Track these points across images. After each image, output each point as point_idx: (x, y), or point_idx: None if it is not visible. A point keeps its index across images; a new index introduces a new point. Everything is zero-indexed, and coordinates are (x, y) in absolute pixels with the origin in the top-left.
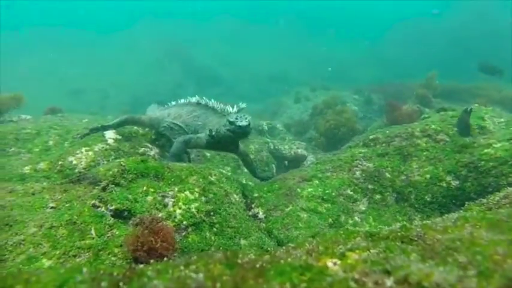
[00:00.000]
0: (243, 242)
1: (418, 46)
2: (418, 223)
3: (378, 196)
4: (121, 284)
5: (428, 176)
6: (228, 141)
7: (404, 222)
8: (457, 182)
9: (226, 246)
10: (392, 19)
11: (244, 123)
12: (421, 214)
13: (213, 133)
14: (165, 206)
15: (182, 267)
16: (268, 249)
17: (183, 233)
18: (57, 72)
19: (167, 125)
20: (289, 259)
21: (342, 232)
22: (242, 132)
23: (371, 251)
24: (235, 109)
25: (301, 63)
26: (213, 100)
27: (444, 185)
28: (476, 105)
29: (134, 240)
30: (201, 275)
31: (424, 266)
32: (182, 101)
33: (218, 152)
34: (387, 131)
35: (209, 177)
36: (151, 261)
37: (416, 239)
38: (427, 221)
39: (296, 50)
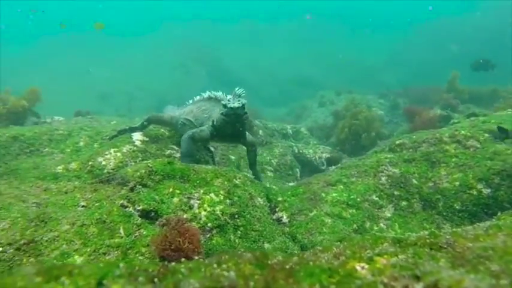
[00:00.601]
0: (266, 245)
1: (447, 47)
2: (447, 231)
3: (404, 203)
4: (156, 280)
5: (457, 183)
6: (226, 127)
7: (433, 230)
8: (489, 190)
9: (250, 250)
10: (419, 19)
11: (236, 104)
12: (450, 223)
13: (215, 122)
14: (191, 207)
15: (215, 266)
16: (292, 253)
17: (208, 235)
18: (87, 76)
19: (181, 121)
20: (317, 262)
21: (368, 237)
22: (234, 114)
23: (399, 256)
24: (236, 92)
25: (327, 65)
26: (221, 92)
27: (475, 193)
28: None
29: (162, 239)
30: (233, 274)
31: (455, 272)
32: (197, 97)
33: (227, 143)
34: (414, 136)
35: (234, 180)
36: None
37: (445, 246)
38: (457, 229)
39: (321, 53)
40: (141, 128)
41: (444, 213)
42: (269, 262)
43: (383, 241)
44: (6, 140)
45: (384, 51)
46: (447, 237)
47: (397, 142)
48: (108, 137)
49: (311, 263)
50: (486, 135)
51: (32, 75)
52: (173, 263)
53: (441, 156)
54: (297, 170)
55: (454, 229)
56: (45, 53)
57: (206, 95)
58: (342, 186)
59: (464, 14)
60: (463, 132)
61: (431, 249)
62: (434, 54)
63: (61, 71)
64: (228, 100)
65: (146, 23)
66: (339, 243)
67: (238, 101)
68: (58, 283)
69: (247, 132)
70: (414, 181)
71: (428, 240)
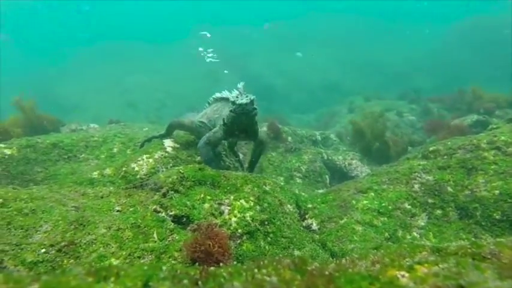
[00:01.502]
0: (296, 252)
1: (481, 49)
2: (489, 241)
3: (438, 211)
4: (199, 283)
5: (497, 191)
6: (236, 124)
7: (473, 239)
8: None
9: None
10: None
11: (244, 100)
12: (489, 233)
13: (225, 120)
14: (221, 213)
15: (255, 270)
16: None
17: (238, 241)
18: (120, 83)
19: (197, 124)
20: (356, 269)
21: (406, 245)
22: (242, 111)
23: (440, 265)
24: (235, 92)
25: (356, 69)
26: (227, 91)
27: None
28: None
29: (193, 243)
30: (274, 278)
31: (503, 284)
32: (211, 99)
33: (240, 140)
34: (449, 143)
35: (263, 186)
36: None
37: (489, 256)
38: (502, 239)
39: (351, 56)
40: (166, 134)
41: (483, 223)
42: (308, 268)
43: (421, 250)
44: (46, 147)
45: (417, 52)
46: (491, 247)
47: (431, 149)
48: (139, 144)
49: (350, 269)
50: None
51: (73, 81)
52: (212, 268)
53: (478, 163)
54: (327, 176)
55: (499, 239)
56: (79, 62)
57: (216, 96)
58: (373, 194)
59: (500, 14)
60: (503, 138)
61: (473, 259)
62: (471, 55)
63: (95, 78)
64: (236, 97)
65: (177, 28)
66: (375, 251)
67: (246, 96)
68: (107, 283)
69: (259, 129)
70: (449, 189)
71: (470, 250)
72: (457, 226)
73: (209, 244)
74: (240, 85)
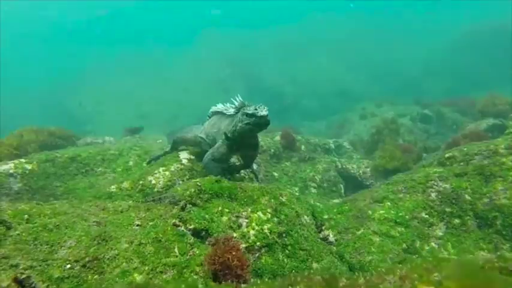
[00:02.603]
0: (315, 265)
1: (494, 52)
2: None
3: (456, 220)
4: None
5: None
6: (247, 136)
7: (504, 251)
8: None
9: (299, 269)
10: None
11: (264, 113)
12: (510, 243)
13: (229, 134)
14: (239, 226)
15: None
16: (340, 273)
17: (257, 254)
18: (132, 95)
19: (198, 140)
20: (385, 284)
21: (431, 259)
22: (264, 123)
23: (469, 281)
24: (236, 104)
25: (367, 75)
26: (221, 104)
27: None
28: None
29: (213, 257)
30: None
31: None
32: (210, 112)
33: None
34: (465, 149)
35: (280, 197)
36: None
37: None
38: None
39: (361, 61)
40: (171, 151)
41: (503, 232)
42: (338, 285)
43: (447, 263)
44: (64, 161)
45: (430, 56)
46: None
47: (447, 155)
48: (148, 160)
49: (380, 286)
50: None
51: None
52: (244, 284)
53: (497, 170)
54: (341, 185)
55: None
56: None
57: (212, 109)
58: (389, 203)
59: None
60: None
61: (501, 273)
62: (484, 58)
63: (107, 90)
64: (255, 109)
65: (186, 31)
66: (400, 265)
67: (264, 108)
68: None
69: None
70: (467, 197)
71: (497, 264)
72: (476, 235)
73: (228, 258)
74: (239, 97)
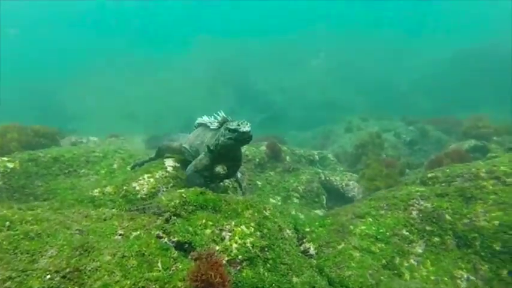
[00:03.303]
0: (295, 279)
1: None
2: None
3: (436, 239)
4: None
5: (497, 222)
6: (229, 150)
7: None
8: None
9: (279, 283)
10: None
11: (246, 129)
12: (488, 264)
13: (211, 147)
14: (222, 239)
15: None
16: None
17: (238, 267)
18: (119, 94)
19: (182, 150)
20: None
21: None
22: (246, 138)
23: None
24: (219, 118)
25: (355, 88)
26: (206, 117)
27: None
28: None
29: (195, 273)
30: None
31: None
32: (196, 123)
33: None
34: (447, 170)
35: (264, 211)
36: None
37: None
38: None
39: (351, 75)
40: (156, 158)
41: (482, 253)
42: None
43: None
44: (47, 161)
45: (419, 72)
46: None
47: (429, 175)
48: (131, 166)
49: None
50: None
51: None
52: None
53: (478, 193)
54: (324, 197)
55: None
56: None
57: (198, 120)
58: (370, 219)
59: None
60: (502, 168)
61: None
62: (475, 78)
63: (99, 87)
64: (238, 125)
65: (180, 39)
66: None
67: (247, 124)
68: None
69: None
70: (448, 217)
71: None
72: (455, 255)
73: (210, 275)
74: (221, 113)
